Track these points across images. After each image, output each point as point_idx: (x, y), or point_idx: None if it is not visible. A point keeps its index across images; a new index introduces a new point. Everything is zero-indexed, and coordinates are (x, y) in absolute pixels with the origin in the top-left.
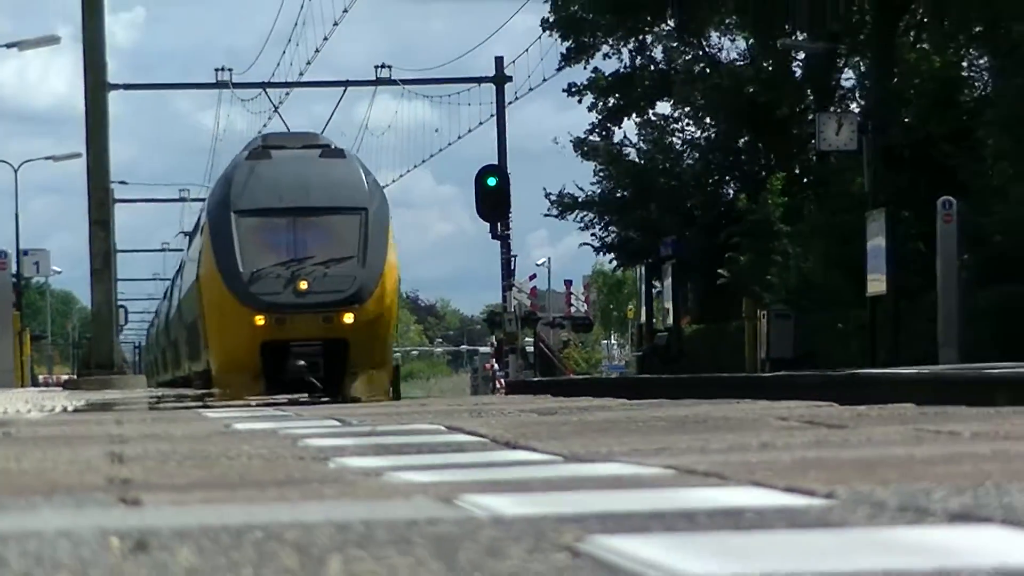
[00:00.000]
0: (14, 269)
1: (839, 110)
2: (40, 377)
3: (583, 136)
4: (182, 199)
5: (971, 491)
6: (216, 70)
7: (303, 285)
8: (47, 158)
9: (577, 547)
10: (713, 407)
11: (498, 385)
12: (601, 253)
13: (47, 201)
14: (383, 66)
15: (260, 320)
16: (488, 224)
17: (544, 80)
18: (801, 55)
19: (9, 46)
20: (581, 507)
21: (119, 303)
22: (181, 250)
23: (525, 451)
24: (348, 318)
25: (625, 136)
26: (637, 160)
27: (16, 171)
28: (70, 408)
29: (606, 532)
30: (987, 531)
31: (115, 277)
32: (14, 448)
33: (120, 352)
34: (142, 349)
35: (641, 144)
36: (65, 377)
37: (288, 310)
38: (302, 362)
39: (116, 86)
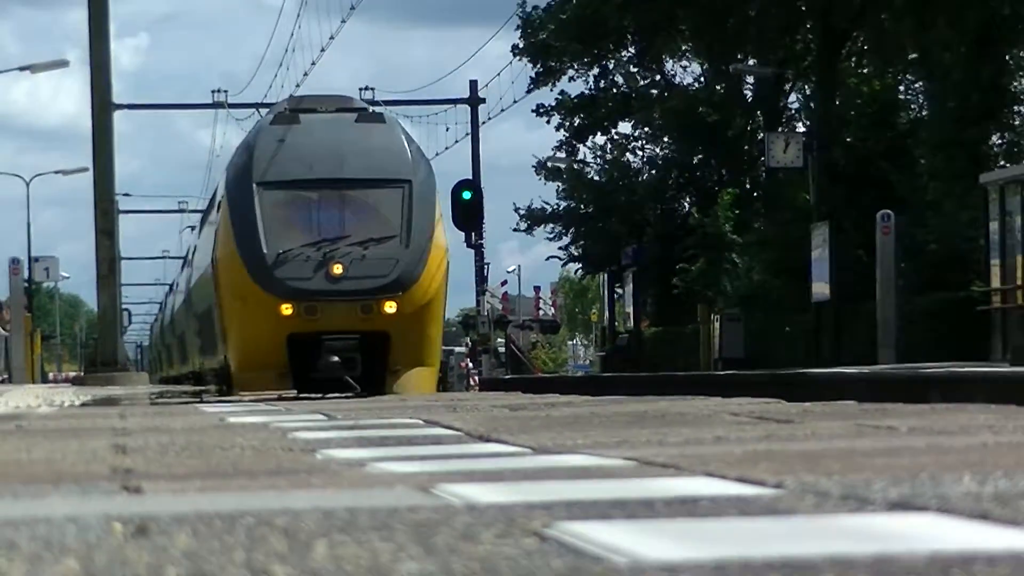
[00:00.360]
0: (26, 274)
1: (786, 130)
2: (50, 374)
3: (545, 159)
4: (181, 210)
5: (908, 482)
6: (213, 92)
7: (337, 269)
8: (57, 172)
9: (545, 532)
10: (670, 403)
11: (472, 383)
12: (566, 263)
13: (56, 212)
14: (367, 88)
15: (287, 309)
16: (463, 234)
17: (515, 102)
18: (751, 79)
19: (22, 69)
20: (549, 495)
21: (123, 306)
22: (181, 258)
23: (497, 444)
24: (390, 307)
25: (586, 156)
26: (597, 178)
27: (28, 184)
28: (77, 403)
29: (572, 518)
30: (923, 519)
31: (119, 282)
32: (25, 440)
33: (124, 351)
34: (144, 348)
35: (601, 163)
36: (73, 374)
37: (319, 298)
38: (336, 358)
39: (121, 106)
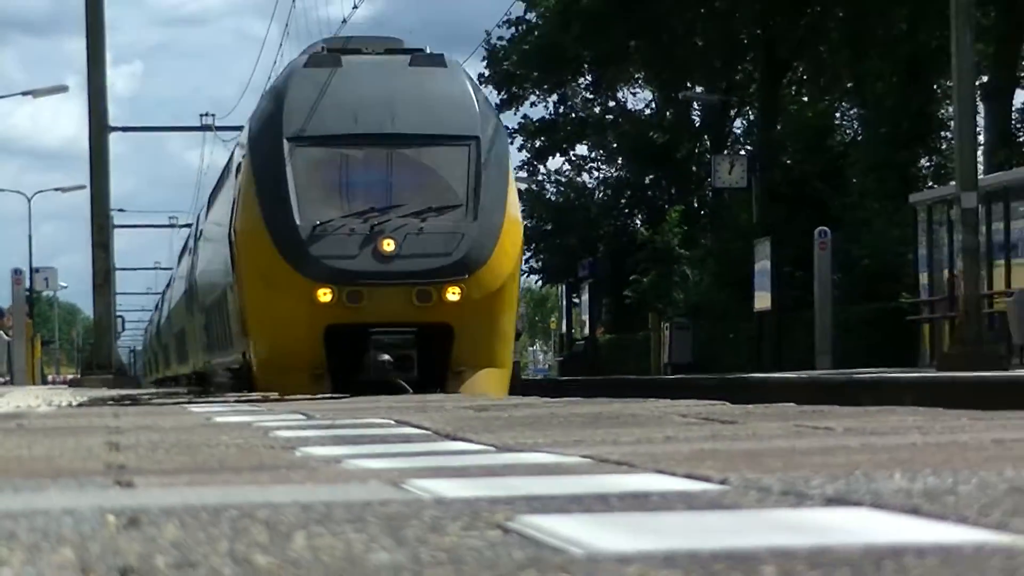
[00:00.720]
0: (27, 284)
1: (731, 153)
2: (49, 376)
3: None
4: (172, 225)
5: (844, 479)
6: (201, 115)
7: (388, 246)
8: (56, 189)
9: (507, 525)
10: (623, 405)
11: None
12: (528, 275)
13: (56, 226)
14: None
15: (325, 295)
16: None
17: None
18: (698, 106)
19: (24, 94)
20: (511, 491)
21: (117, 314)
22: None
23: (463, 442)
24: (453, 294)
25: (544, 179)
26: (554, 199)
27: (30, 200)
28: (74, 403)
29: (532, 512)
30: (857, 513)
31: (114, 291)
32: (26, 438)
33: (118, 356)
34: (137, 353)
35: (557, 185)
36: (70, 376)
37: (366, 281)
38: (386, 357)
39: (116, 128)
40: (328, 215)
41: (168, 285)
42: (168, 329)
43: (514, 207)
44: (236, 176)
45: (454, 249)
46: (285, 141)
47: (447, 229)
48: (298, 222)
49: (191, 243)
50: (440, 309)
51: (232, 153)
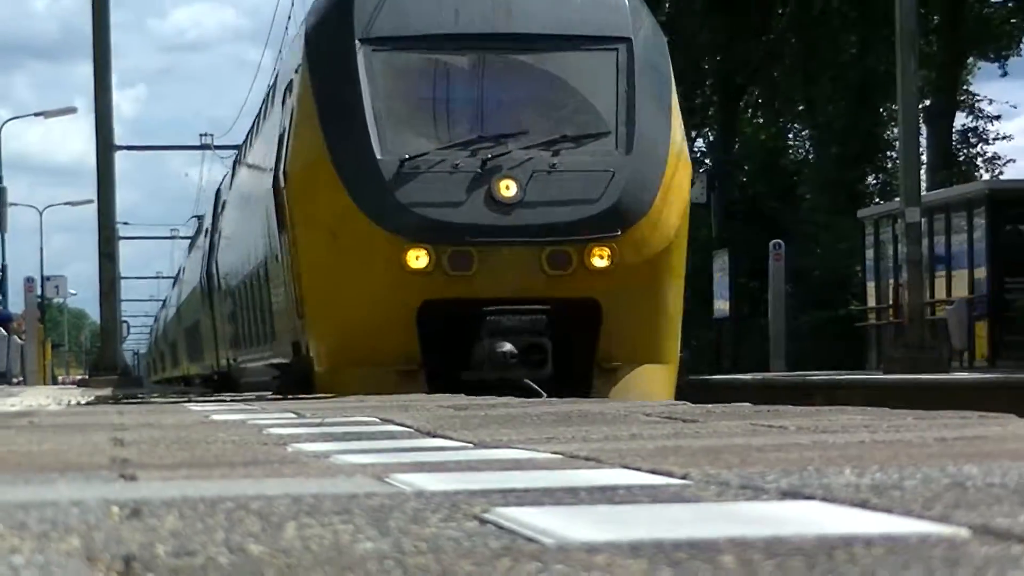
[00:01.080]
0: (39, 291)
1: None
2: (59, 377)
3: None
4: (173, 237)
5: (797, 474)
6: (200, 135)
7: (507, 189)
8: (66, 203)
9: (484, 516)
10: (592, 405)
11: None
12: None
13: (66, 237)
14: None
15: (418, 258)
16: None
17: None
18: None
19: (36, 115)
20: (487, 484)
21: (122, 319)
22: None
23: (442, 439)
24: (600, 258)
25: None
26: None
27: (41, 213)
28: (82, 402)
29: (507, 504)
30: (810, 506)
31: (119, 298)
32: (37, 434)
33: (123, 358)
34: (140, 356)
35: None
36: (79, 377)
37: (478, 239)
38: (508, 346)
39: (121, 147)
40: (421, 146)
41: (175, 282)
42: (175, 327)
43: (678, 134)
44: (283, 103)
45: (601, 194)
46: (358, 44)
47: (590, 166)
48: (379, 156)
49: (208, 223)
50: (582, 279)
51: (274, 78)
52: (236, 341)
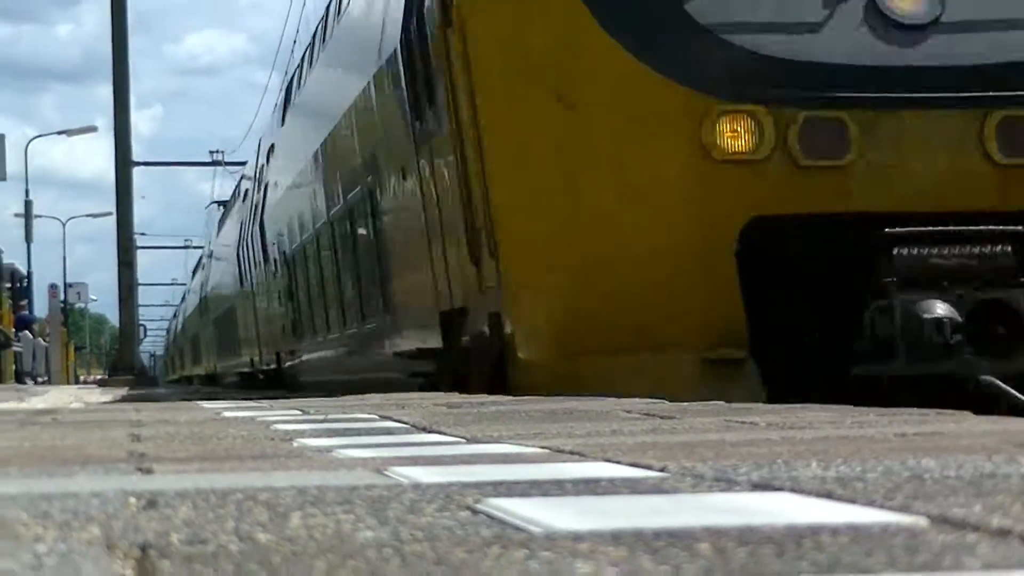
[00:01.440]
0: (62, 297)
1: None
2: (81, 377)
3: None
4: (187, 247)
5: (767, 467)
6: (212, 152)
7: (910, 1)
8: (87, 215)
9: (476, 507)
10: (576, 403)
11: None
12: None
13: (87, 247)
14: None
15: (737, 133)
16: None
17: None
18: None
19: (60, 133)
20: (479, 477)
21: (139, 323)
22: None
23: (437, 434)
24: None
25: None
26: None
27: (64, 225)
28: (102, 400)
29: (498, 495)
30: (779, 497)
31: (137, 304)
32: (60, 430)
33: (140, 359)
34: (156, 357)
35: None
36: (99, 377)
37: (857, 92)
38: (943, 309)
39: (138, 163)
40: None
41: (197, 268)
42: (201, 319)
43: None
44: None
45: None
46: None
47: None
48: None
49: (249, 183)
50: None
51: None
52: (305, 324)
